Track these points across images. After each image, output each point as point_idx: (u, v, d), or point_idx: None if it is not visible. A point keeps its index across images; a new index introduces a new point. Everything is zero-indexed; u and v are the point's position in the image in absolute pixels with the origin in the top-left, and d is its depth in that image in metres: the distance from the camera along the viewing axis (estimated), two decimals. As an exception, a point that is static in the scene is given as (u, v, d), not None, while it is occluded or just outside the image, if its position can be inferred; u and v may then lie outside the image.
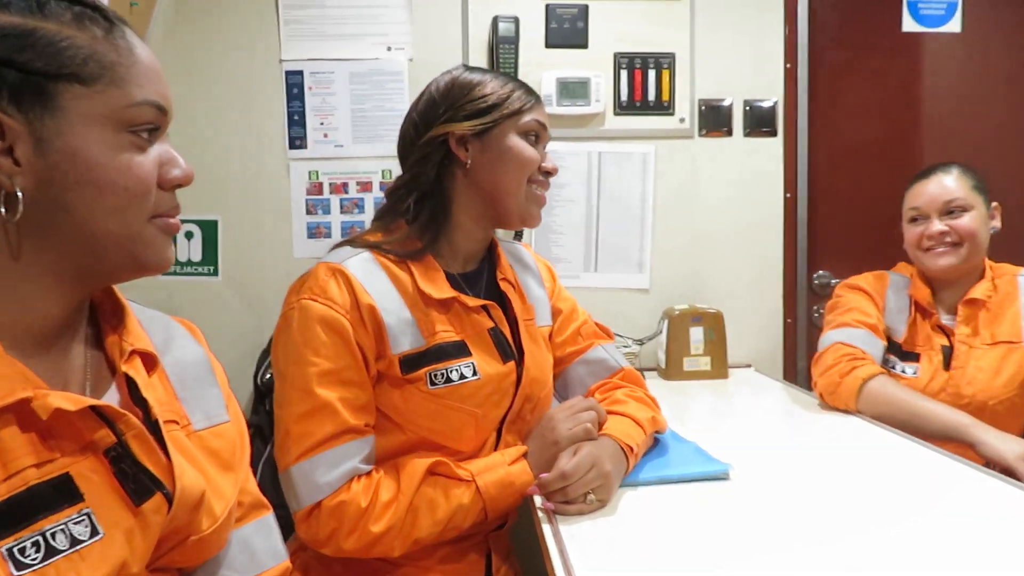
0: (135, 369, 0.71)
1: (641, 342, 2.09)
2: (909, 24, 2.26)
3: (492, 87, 1.20)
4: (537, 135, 1.23)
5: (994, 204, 1.73)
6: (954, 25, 2.26)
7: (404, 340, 1.12)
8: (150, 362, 0.74)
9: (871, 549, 0.93)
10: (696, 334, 2.03)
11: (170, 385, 0.76)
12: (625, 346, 2.06)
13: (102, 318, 0.74)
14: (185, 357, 0.80)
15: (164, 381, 0.75)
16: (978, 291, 1.70)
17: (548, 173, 1.25)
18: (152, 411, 0.69)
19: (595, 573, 0.88)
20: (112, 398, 0.70)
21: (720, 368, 2.03)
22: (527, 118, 1.21)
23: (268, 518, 0.83)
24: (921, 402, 1.54)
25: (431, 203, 1.19)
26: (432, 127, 1.19)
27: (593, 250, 2.18)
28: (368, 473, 1.09)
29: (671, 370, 2.03)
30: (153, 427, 0.68)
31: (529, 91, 1.23)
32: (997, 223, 1.73)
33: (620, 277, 2.19)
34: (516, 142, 1.20)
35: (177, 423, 0.74)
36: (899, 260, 1.86)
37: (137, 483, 0.65)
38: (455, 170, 1.20)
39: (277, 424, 1.09)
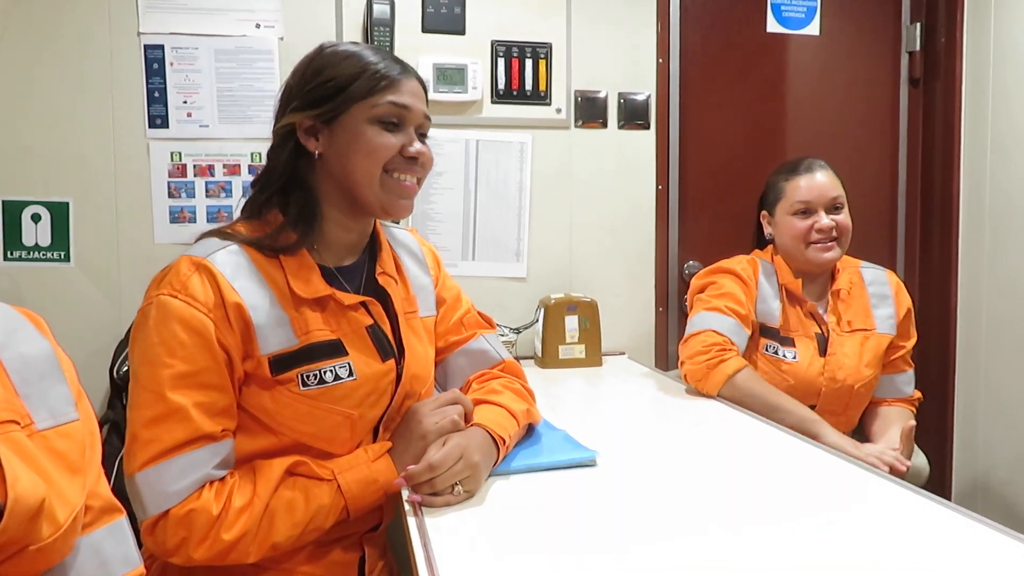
0: None
1: (518, 331, 2.11)
2: (773, 25, 2.36)
3: (343, 68, 1.11)
4: (399, 119, 1.13)
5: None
6: (813, 28, 2.38)
7: (274, 339, 1.06)
8: None
9: (733, 530, 0.96)
10: (571, 323, 2.06)
11: (10, 382, 0.70)
12: (502, 335, 2.06)
13: None
14: (28, 351, 0.73)
15: (3, 377, 0.69)
16: (840, 283, 1.83)
17: (413, 159, 1.15)
18: None
19: (457, 564, 0.88)
20: None
21: (594, 356, 2.07)
22: (381, 101, 1.11)
23: (121, 522, 0.78)
24: (776, 398, 1.64)
25: (297, 195, 1.13)
26: (284, 114, 1.13)
27: (471, 239, 2.17)
28: (222, 479, 1.03)
29: (547, 358, 2.05)
30: None
31: (390, 69, 1.12)
32: None
33: (498, 266, 2.20)
34: (364, 130, 1.10)
35: (17, 423, 0.68)
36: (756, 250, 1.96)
37: None
38: (311, 160, 1.14)
39: (128, 427, 1.02)
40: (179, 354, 1.00)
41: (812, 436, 1.55)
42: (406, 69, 1.15)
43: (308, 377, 1.07)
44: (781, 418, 1.59)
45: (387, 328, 1.19)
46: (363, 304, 1.16)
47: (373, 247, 1.25)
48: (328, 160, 1.13)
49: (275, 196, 1.14)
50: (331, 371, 1.09)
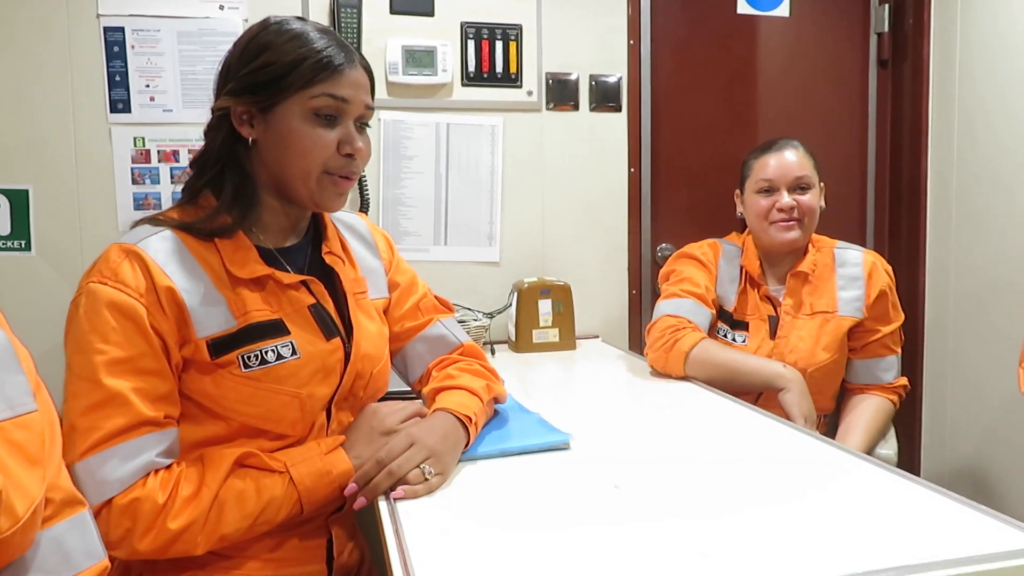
0: None
1: (491, 315, 2.10)
2: (743, 7, 2.36)
3: (283, 52, 1.06)
4: (337, 111, 1.09)
5: (821, 184, 1.83)
6: (783, 10, 2.39)
7: (210, 322, 1.04)
8: None
9: (707, 511, 0.96)
10: (545, 306, 2.05)
11: None
12: (475, 319, 2.05)
13: None
14: None
15: None
16: (804, 265, 1.81)
17: (350, 156, 1.11)
18: None
19: (429, 546, 0.87)
20: None
21: (568, 339, 2.07)
22: (318, 93, 1.06)
23: (84, 515, 0.77)
24: (741, 358, 1.66)
25: (232, 177, 1.11)
26: (220, 95, 1.10)
27: (443, 223, 2.15)
28: (168, 467, 1.00)
29: (521, 342, 2.05)
30: None
31: (332, 58, 1.07)
32: (823, 202, 1.84)
33: (470, 250, 2.18)
34: (298, 127, 1.07)
35: None
36: (733, 232, 1.96)
37: None
38: (246, 144, 1.11)
39: (64, 419, 0.98)
40: (112, 339, 0.98)
41: (778, 389, 1.61)
42: (350, 57, 1.10)
43: (249, 358, 1.05)
44: (748, 381, 1.61)
45: (330, 307, 1.17)
46: (304, 284, 1.14)
47: (318, 228, 1.23)
48: (263, 149, 1.11)
49: (208, 178, 1.12)
50: (273, 351, 1.07)
